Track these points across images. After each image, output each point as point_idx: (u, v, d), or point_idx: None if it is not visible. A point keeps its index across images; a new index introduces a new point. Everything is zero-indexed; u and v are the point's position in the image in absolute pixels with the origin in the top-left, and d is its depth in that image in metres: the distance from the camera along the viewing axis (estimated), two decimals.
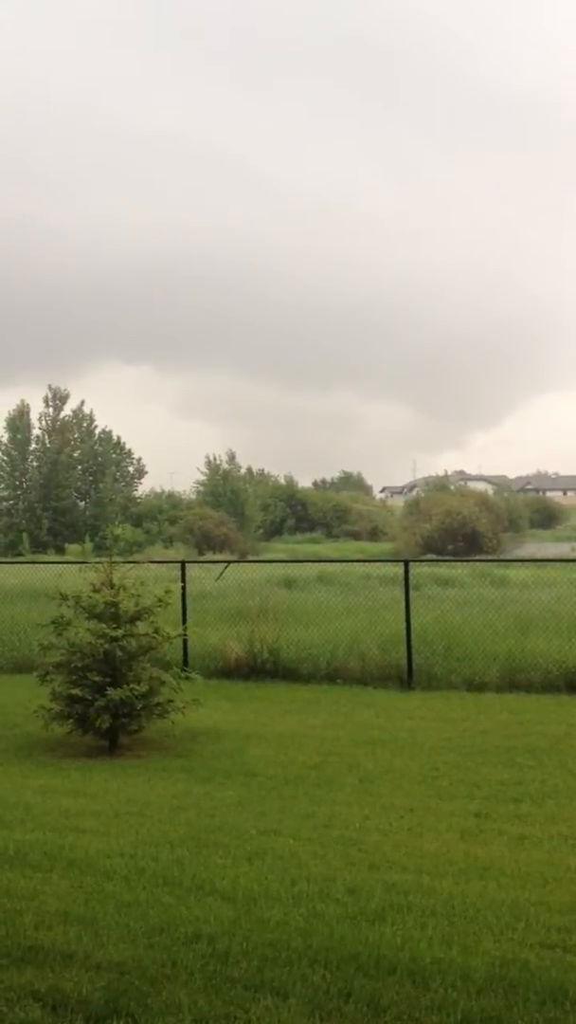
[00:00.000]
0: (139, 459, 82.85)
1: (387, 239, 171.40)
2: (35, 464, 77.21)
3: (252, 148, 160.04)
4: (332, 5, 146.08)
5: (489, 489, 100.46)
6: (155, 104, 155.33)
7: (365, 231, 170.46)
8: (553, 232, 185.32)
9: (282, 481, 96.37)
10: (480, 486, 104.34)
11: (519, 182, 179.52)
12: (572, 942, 4.97)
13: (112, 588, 10.50)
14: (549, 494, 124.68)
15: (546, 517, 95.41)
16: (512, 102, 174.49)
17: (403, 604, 14.24)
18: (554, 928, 5.15)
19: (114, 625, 10.15)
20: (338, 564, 29.48)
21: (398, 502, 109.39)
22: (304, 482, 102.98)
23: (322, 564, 29.00)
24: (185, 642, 14.08)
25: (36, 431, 77.98)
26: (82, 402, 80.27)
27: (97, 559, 11.71)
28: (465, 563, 33.79)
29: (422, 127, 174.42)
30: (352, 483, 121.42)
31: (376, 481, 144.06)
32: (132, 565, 12.61)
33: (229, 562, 19.27)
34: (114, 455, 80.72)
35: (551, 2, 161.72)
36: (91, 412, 79.96)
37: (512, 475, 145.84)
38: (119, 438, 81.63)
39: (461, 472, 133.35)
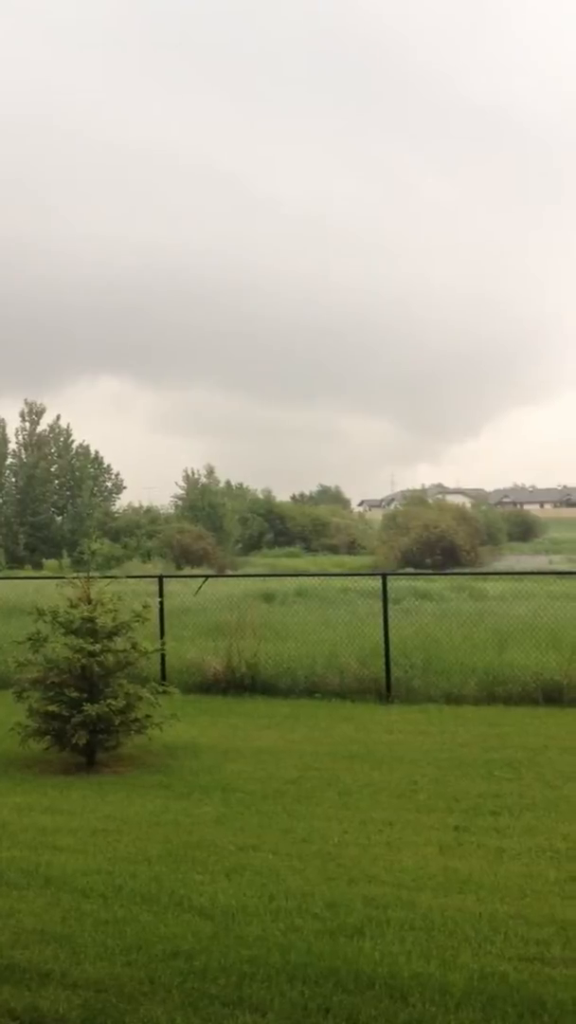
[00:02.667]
0: (117, 473, 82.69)
1: (368, 257, 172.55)
2: (12, 479, 76.86)
3: (238, 164, 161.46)
4: (325, 22, 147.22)
5: (467, 502, 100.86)
6: (139, 120, 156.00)
7: (346, 248, 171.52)
8: (533, 251, 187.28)
9: (260, 495, 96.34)
10: (458, 499, 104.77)
11: (501, 202, 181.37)
12: (550, 955, 4.98)
13: (89, 603, 10.45)
14: (526, 507, 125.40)
15: (524, 530, 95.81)
16: (497, 122, 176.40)
17: (381, 618, 14.24)
18: (532, 941, 5.16)
19: (91, 640, 10.10)
20: (317, 578, 29.49)
21: (376, 515, 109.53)
22: (282, 496, 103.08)
23: (301, 578, 29.02)
24: (163, 657, 14.03)
25: (12, 445, 77.69)
26: (58, 416, 79.98)
27: (74, 574, 11.65)
28: (443, 576, 33.88)
29: (411, 147, 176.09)
30: (330, 496, 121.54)
31: (354, 494, 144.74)
32: (110, 580, 12.58)
33: (207, 576, 19.25)
34: (92, 469, 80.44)
35: (534, 21, 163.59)
36: (68, 426, 79.76)
37: (490, 488, 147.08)
38: (97, 452, 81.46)
39: (439, 485, 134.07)
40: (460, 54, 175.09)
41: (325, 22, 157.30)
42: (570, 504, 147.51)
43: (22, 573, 51.14)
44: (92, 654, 10.00)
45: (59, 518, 77.78)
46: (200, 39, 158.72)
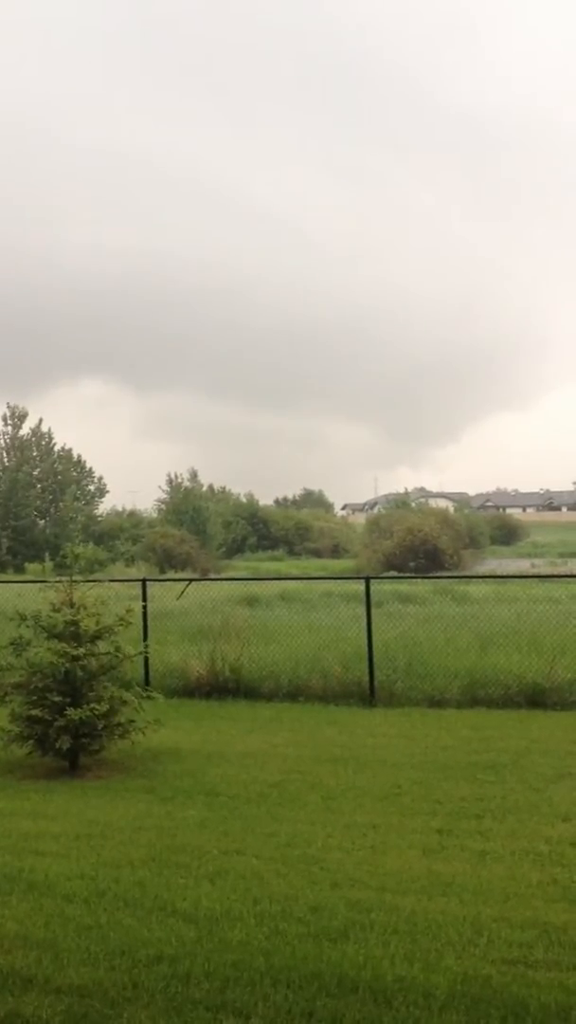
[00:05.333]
0: (100, 478, 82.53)
1: (350, 264, 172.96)
2: None
3: (223, 170, 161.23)
4: (312, 33, 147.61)
5: (450, 506, 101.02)
6: (123, 126, 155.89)
7: (329, 255, 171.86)
8: (513, 259, 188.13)
9: (243, 499, 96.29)
10: (441, 503, 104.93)
11: (484, 210, 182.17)
12: (534, 958, 4.99)
13: (72, 607, 10.42)
14: (509, 511, 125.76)
15: (506, 534, 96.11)
16: (480, 131, 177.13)
17: (365, 621, 14.25)
18: (516, 944, 5.17)
19: (74, 644, 10.07)
20: (300, 581, 29.53)
21: (359, 519, 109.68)
22: (266, 500, 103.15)
23: (284, 582, 29.03)
24: (146, 661, 14.00)
25: None
26: (40, 420, 79.81)
27: (57, 578, 11.62)
28: (426, 580, 33.95)
29: (396, 155, 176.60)
30: (313, 500, 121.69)
31: (337, 498, 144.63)
32: (93, 584, 12.54)
33: (191, 580, 19.23)
34: (74, 473, 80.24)
35: (517, 32, 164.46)
36: (50, 430, 79.57)
37: (472, 492, 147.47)
38: (79, 456, 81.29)
39: (422, 489, 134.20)
40: (444, 63, 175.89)
41: (313, 33, 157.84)
42: (552, 508, 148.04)
43: (3, 577, 50.91)
44: (75, 658, 9.98)
45: (41, 522, 77.54)
46: (187, 47, 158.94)
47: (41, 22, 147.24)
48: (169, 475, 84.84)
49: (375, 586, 15.74)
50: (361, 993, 4.61)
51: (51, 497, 77.96)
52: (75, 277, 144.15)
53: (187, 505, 79.24)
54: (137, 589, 15.73)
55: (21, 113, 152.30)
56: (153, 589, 16.30)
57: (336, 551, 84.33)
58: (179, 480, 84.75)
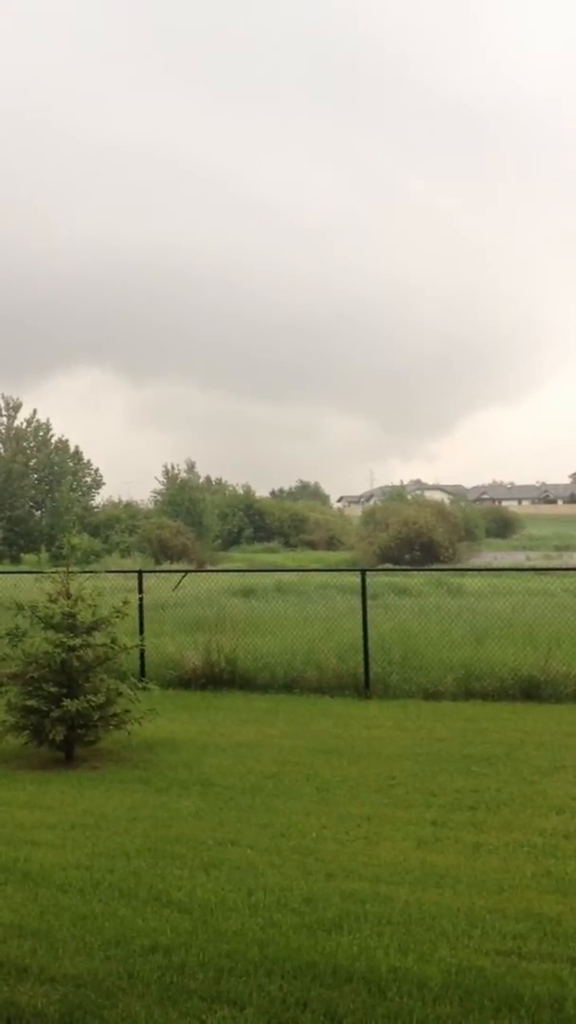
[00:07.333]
0: (96, 469, 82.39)
1: (348, 256, 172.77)
2: None
3: (221, 163, 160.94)
4: (311, 21, 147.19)
5: (446, 499, 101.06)
6: (123, 117, 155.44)
7: (327, 247, 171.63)
8: (509, 252, 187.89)
9: (240, 491, 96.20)
10: (437, 495, 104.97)
11: (481, 203, 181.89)
12: (527, 949, 5.01)
13: (69, 598, 10.42)
14: (504, 503, 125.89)
15: (502, 526, 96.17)
16: (477, 121, 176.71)
17: (360, 613, 14.27)
18: (509, 935, 5.19)
19: (71, 635, 10.08)
20: (296, 573, 29.54)
21: (356, 511, 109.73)
22: (262, 492, 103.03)
23: (280, 573, 29.06)
24: (142, 652, 14.00)
25: None
26: (35, 411, 79.63)
27: (54, 569, 11.61)
28: (422, 572, 34.00)
29: (395, 147, 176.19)
30: (309, 493, 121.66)
31: (333, 491, 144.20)
32: (89, 575, 12.54)
33: (187, 571, 19.22)
34: (71, 464, 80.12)
35: (514, 21, 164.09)
36: (47, 421, 79.40)
37: (468, 485, 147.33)
38: (76, 447, 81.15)
39: (418, 482, 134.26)
40: (441, 52, 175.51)
41: (310, 21, 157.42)
42: (548, 501, 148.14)
43: (0, 568, 50.92)
44: (71, 649, 9.98)
45: (38, 513, 77.46)
46: (185, 39, 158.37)
47: (40, 16, 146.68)
48: (165, 466, 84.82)
49: (371, 578, 15.76)
50: (355, 984, 4.63)
51: (47, 488, 77.82)
52: (71, 268, 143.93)
53: (183, 496, 79.20)
54: (133, 580, 15.73)
55: (19, 105, 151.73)
56: (149, 580, 16.32)
57: (332, 543, 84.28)
58: (176, 471, 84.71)
